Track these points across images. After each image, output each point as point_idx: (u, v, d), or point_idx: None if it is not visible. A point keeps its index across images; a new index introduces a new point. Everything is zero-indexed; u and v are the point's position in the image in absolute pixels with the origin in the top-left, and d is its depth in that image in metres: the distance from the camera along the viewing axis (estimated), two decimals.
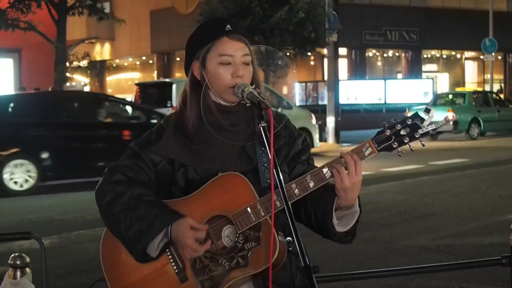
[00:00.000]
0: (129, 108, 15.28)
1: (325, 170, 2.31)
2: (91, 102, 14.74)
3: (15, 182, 12.71)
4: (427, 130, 2.26)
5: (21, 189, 12.72)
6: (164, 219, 2.31)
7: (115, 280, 2.42)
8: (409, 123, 2.27)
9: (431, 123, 2.26)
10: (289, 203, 2.24)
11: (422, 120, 2.26)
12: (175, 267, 2.35)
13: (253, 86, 2.38)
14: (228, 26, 2.41)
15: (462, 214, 9.36)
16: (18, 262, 3.36)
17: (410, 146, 2.30)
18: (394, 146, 2.28)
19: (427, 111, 2.24)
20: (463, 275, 6.06)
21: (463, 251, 7.23)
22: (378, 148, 2.29)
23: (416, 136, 2.26)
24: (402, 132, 2.28)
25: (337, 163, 2.30)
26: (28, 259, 3.40)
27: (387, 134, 2.29)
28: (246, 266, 2.30)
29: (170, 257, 2.36)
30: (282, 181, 2.25)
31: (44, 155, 12.92)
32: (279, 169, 2.26)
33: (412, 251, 7.32)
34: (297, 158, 2.50)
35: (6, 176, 12.60)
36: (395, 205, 10.23)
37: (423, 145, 2.30)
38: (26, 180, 12.77)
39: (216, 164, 2.41)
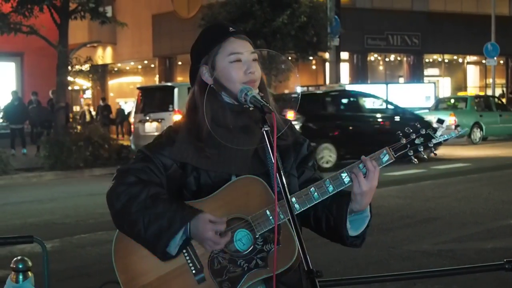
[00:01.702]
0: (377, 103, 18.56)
1: (344, 175, 2.37)
2: (355, 98, 18.11)
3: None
4: (439, 140, 2.37)
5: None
6: (185, 214, 2.30)
7: (129, 280, 2.40)
8: (423, 133, 2.37)
9: (443, 134, 2.37)
10: (309, 206, 2.35)
11: (435, 130, 2.36)
12: (192, 268, 2.34)
13: (257, 91, 2.39)
14: (231, 28, 2.48)
15: (464, 218, 9.35)
16: (20, 266, 3.36)
17: (423, 155, 2.40)
18: (410, 154, 2.38)
19: (440, 121, 2.37)
20: (466, 280, 6.06)
21: (465, 256, 7.22)
22: (395, 155, 2.38)
23: (430, 145, 2.38)
24: (417, 141, 2.38)
25: (356, 168, 2.36)
26: (30, 263, 3.40)
27: (403, 142, 2.38)
28: (266, 268, 2.31)
29: (187, 257, 2.35)
30: (285, 185, 2.26)
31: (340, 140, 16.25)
32: (282, 173, 2.27)
33: (414, 255, 7.32)
34: (305, 164, 2.54)
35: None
36: (397, 209, 10.22)
37: (435, 154, 2.44)
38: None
39: (230, 168, 2.42)
